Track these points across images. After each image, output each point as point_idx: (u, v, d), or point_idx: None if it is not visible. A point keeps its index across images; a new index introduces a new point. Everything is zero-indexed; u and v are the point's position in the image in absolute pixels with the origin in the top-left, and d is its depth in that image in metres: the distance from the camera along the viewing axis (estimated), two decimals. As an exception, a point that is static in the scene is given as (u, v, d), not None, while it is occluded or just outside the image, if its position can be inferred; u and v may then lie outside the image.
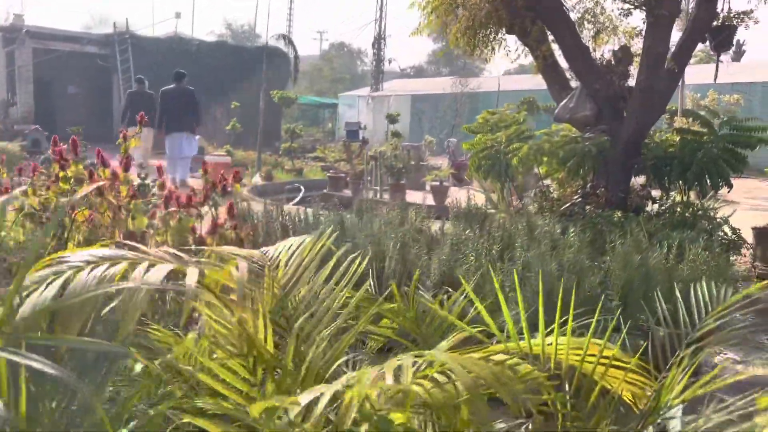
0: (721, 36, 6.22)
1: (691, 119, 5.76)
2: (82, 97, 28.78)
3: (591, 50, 6.17)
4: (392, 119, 18.54)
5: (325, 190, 13.67)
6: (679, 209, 5.74)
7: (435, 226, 5.54)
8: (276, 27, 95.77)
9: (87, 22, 26.50)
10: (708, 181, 5.53)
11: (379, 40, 33.07)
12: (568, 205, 6.10)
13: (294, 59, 17.28)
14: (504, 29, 6.47)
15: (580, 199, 6.05)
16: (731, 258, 5.73)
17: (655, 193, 6.30)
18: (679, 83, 17.38)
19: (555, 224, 4.16)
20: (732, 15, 6.20)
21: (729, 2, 6.14)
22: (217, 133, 23.18)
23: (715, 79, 6.66)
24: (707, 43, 6.26)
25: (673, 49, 6.08)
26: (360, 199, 5.68)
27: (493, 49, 6.45)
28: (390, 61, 35.44)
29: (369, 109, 30.35)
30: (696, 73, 24.21)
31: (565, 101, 6.25)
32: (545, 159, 5.64)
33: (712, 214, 5.78)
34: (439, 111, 22.77)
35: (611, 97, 6.02)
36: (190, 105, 13.29)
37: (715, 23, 6.18)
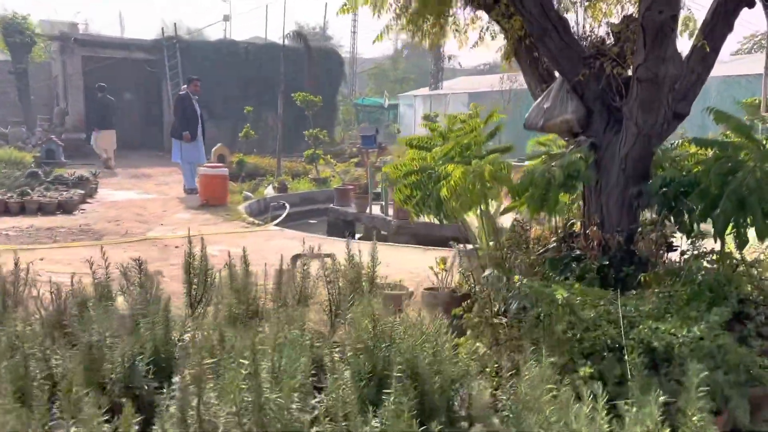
0: (782, -4, 4.12)
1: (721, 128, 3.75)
2: (134, 104, 28.70)
3: (578, 27, 4.22)
4: (430, 120, 16.69)
5: (331, 205, 12.10)
6: (707, 265, 3.71)
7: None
8: (343, 27, 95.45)
9: (160, 31, 26.48)
10: (748, 222, 3.48)
11: (437, 36, 31.09)
12: (542, 251, 4.20)
13: (308, 59, 15.75)
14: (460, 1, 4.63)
15: (554, 244, 4.13)
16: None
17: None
18: (754, 74, 14.35)
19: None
20: (799, -37, 4.09)
21: (794, -57, 4.04)
22: (267, 139, 22.03)
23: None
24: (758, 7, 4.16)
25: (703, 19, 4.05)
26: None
27: (441, 28, 4.62)
28: (449, 58, 33.26)
29: (424, 109, 28.67)
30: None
31: (539, 100, 4.33)
32: (490, 189, 3.76)
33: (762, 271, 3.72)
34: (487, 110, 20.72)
35: (603, 93, 4.06)
36: (174, 112, 13.25)
37: (771, -24, 4.09)
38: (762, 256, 4.09)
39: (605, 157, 4.09)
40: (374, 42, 5.03)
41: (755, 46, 26.08)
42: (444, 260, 4.28)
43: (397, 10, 4.72)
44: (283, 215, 10.00)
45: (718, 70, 19.55)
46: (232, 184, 14.36)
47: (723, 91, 17.86)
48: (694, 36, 3.98)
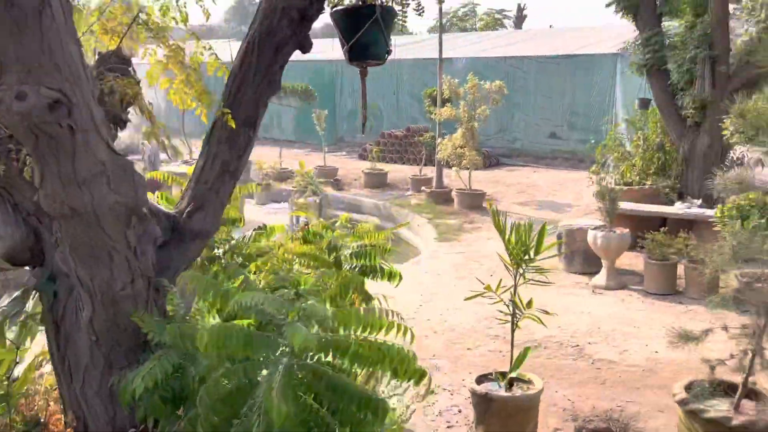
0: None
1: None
2: None
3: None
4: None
5: None
6: None
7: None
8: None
9: None
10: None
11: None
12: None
13: None
14: None
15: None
16: None
17: None
18: (437, 58, 14.11)
19: None
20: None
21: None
22: None
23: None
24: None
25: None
26: None
27: None
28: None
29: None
30: (473, 43, 21.31)
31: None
32: None
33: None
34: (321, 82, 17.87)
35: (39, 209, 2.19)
36: None
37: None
38: None
39: (66, 316, 2.24)
40: None
41: (447, 24, 26.86)
42: None
43: None
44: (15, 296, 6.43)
45: (409, 51, 18.82)
46: None
47: (414, 74, 17.57)
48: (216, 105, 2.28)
